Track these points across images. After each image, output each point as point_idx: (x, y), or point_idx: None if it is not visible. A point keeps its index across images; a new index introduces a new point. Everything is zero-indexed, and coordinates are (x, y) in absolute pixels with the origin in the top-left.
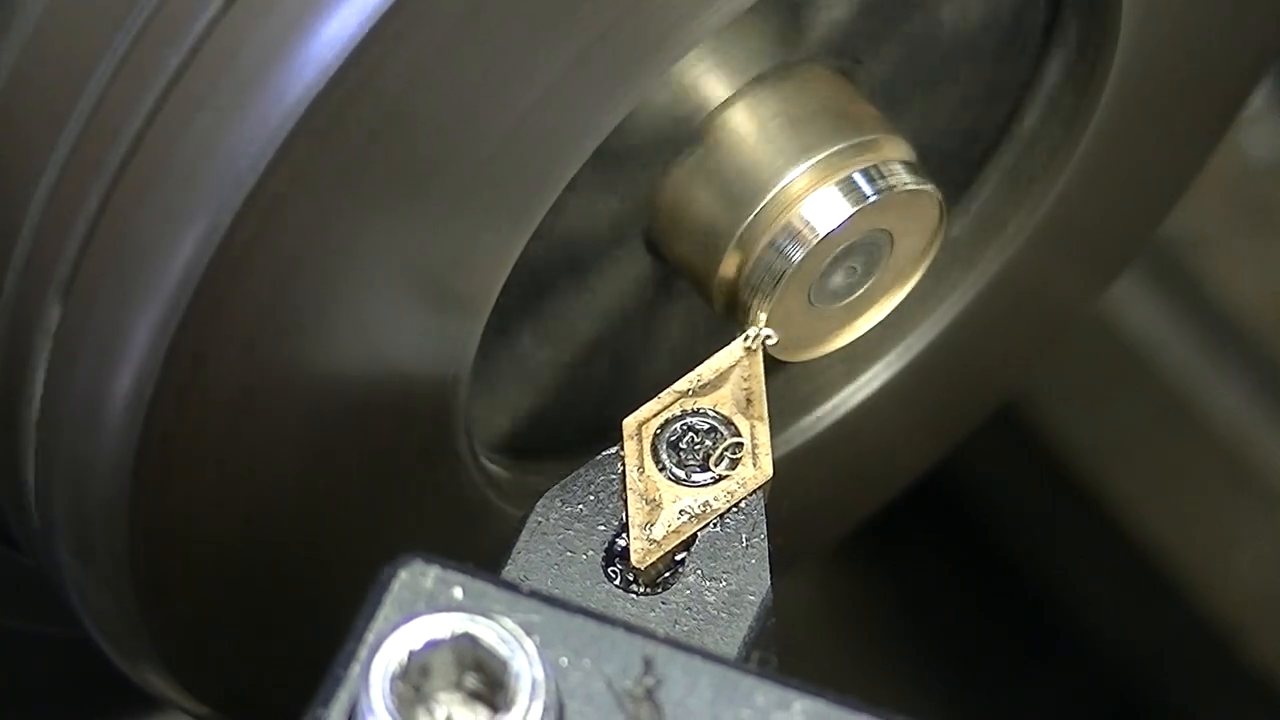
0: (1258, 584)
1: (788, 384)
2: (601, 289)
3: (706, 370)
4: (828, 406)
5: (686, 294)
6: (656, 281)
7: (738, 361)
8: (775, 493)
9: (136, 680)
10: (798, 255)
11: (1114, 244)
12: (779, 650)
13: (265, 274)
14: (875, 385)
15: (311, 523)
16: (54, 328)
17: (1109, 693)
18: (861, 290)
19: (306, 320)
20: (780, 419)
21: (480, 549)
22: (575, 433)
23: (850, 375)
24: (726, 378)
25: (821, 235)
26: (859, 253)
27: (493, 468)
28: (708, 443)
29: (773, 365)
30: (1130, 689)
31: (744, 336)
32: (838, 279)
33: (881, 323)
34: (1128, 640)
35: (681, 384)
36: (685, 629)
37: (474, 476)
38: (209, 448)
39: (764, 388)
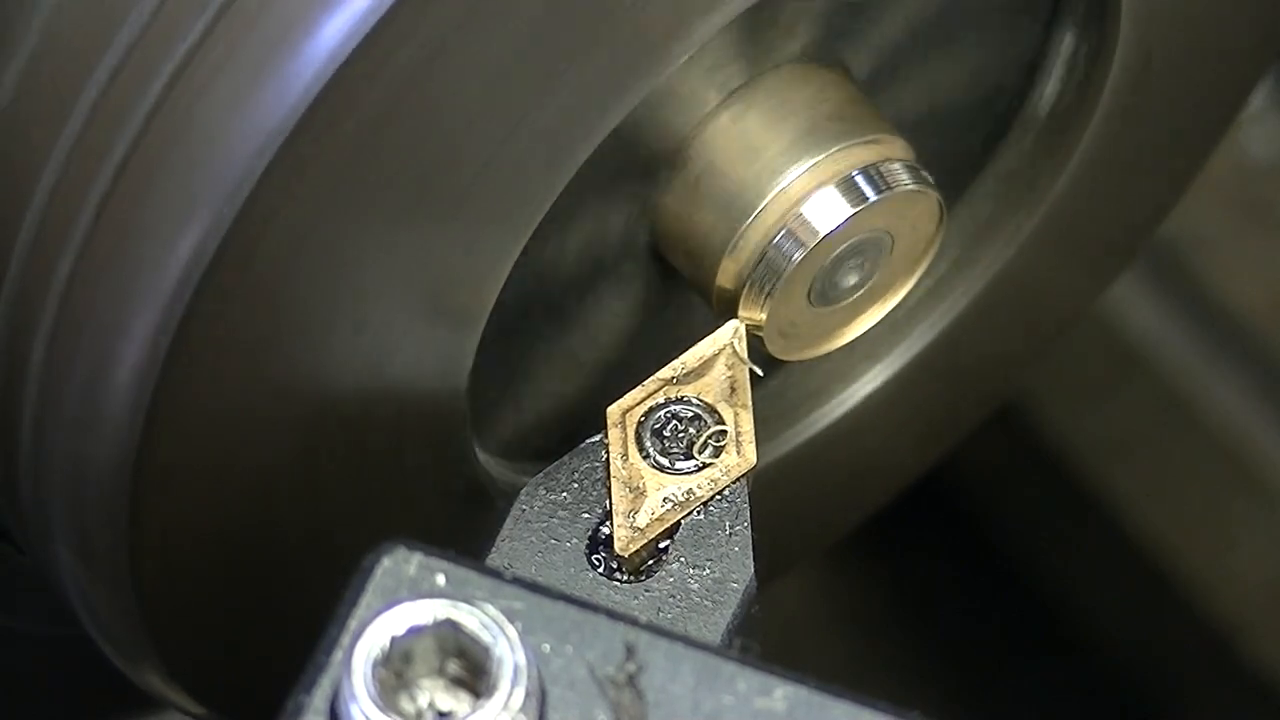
0: (1258, 583)
1: (787, 384)
2: (602, 289)
3: (690, 358)
4: (828, 406)
5: (687, 294)
6: (657, 282)
7: (721, 349)
8: (776, 492)
9: (136, 680)
10: (797, 255)
11: (1114, 244)
12: (770, 643)
13: (263, 277)
14: (875, 385)
15: (310, 523)
16: (53, 327)
17: (1109, 692)
18: (861, 290)
19: (304, 324)
20: (780, 419)
21: (481, 548)
22: (576, 433)
23: (850, 375)
24: (710, 366)
25: (821, 236)
26: (859, 253)
27: (494, 470)
28: (691, 430)
29: (772, 365)
30: (1130, 688)
31: (728, 324)
32: (837, 279)
33: (881, 323)
34: (1127, 639)
35: (665, 372)
36: (668, 616)
37: (475, 478)
38: (207, 449)
39: (747, 376)
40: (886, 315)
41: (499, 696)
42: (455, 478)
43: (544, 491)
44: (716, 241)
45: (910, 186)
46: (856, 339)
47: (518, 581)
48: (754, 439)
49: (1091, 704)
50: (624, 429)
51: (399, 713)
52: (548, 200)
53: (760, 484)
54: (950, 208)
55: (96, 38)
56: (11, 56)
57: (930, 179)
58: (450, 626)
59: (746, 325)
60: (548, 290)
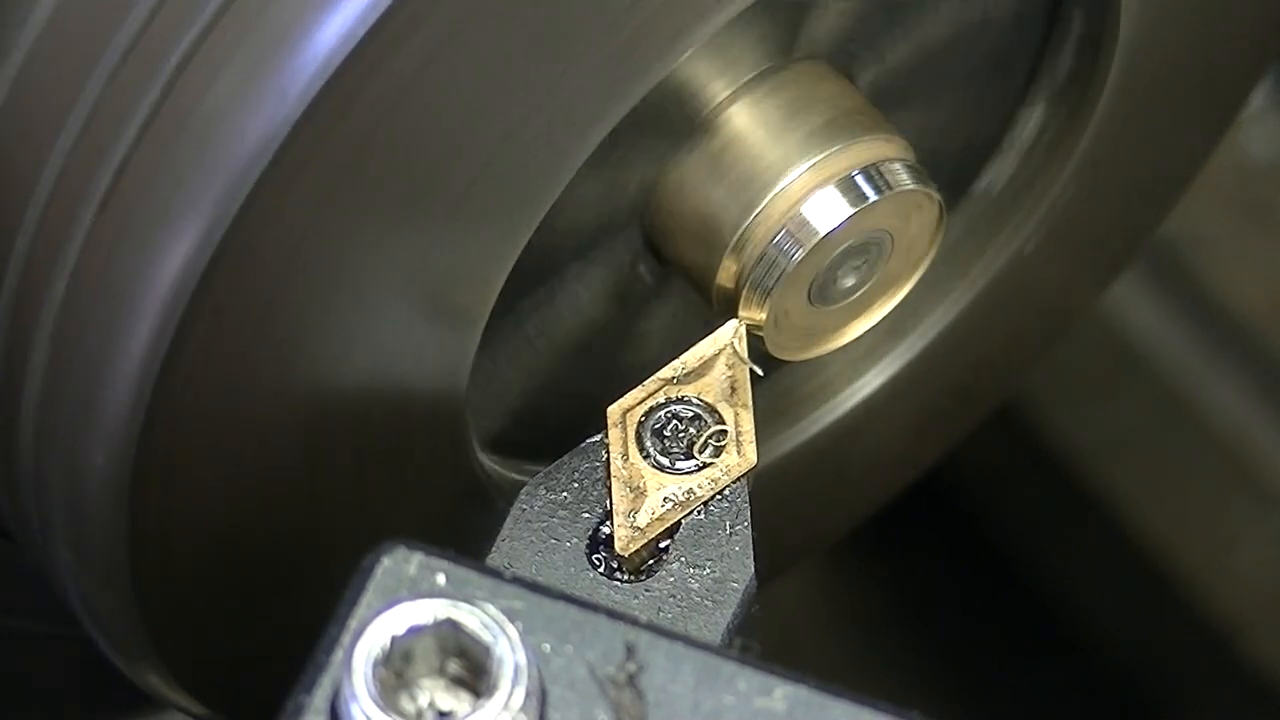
0: (1258, 584)
1: (788, 384)
2: (601, 288)
3: (691, 358)
4: (828, 406)
5: (686, 294)
6: (656, 281)
7: (722, 349)
8: (776, 492)
9: (136, 680)
10: (798, 255)
11: (1114, 244)
12: (770, 643)
13: (261, 278)
14: (876, 385)
15: (309, 524)
16: (53, 327)
17: (1109, 692)
18: (861, 290)
19: (303, 325)
20: (780, 419)
21: (481, 548)
22: (575, 430)
23: (851, 375)
24: (711, 365)
25: (821, 235)
26: (859, 253)
27: (494, 470)
28: (692, 430)
29: (773, 365)
30: (1130, 688)
31: (728, 324)
32: (837, 279)
33: (882, 322)
34: (1127, 639)
35: (666, 372)
36: (669, 616)
37: (475, 478)
38: (207, 449)
39: (748, 375)
40: (887, 315)
41: (499, 696)
42: (455, 478)
43: (544, 491)
44: (716, 241)
45: (910, 186)
46: (857, 338)
47: (518, 581)
48: (754, 439)
49: (1091, 704)
50: (624, 429)
51: (399, 712)
52: (547, 201)
53: (760, 484)
54: (950, 207)
55: (95, 38)
56: (11, 56)
57: (930, 179)
58: (450, 626)
59: (746, 325)
60: (549, 291)
